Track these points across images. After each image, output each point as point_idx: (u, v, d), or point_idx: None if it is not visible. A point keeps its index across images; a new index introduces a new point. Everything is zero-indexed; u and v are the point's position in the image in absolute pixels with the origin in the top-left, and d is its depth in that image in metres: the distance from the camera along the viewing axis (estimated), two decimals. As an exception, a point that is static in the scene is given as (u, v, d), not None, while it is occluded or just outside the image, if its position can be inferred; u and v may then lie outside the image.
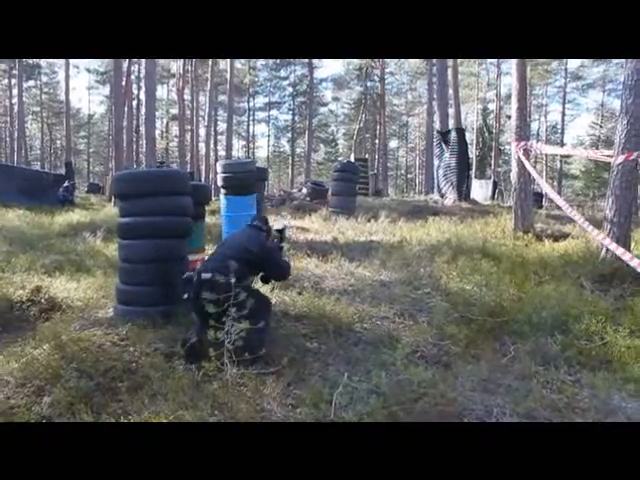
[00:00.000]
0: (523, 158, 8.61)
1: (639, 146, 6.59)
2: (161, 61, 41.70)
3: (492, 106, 45.63)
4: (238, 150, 55.86)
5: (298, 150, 53.64)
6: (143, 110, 25.60)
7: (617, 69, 39.98)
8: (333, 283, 6.30)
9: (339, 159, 37.39)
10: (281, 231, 4.92)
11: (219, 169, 8.93)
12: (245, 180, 8.55)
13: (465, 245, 7.78)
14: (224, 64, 37.87)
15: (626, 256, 4.81)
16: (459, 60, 39.55)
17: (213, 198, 12.90)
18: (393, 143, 57.94)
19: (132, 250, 4.96)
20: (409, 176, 59.69)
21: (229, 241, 4.73)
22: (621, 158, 6.61)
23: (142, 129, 25.33)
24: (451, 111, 20.25)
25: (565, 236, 8.98)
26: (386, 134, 43.85)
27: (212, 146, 36.46)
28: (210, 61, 28.23)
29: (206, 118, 28.55)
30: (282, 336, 4.58)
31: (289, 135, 53.58)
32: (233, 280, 3.65)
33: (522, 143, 8.92)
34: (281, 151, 58.42)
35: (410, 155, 59.09)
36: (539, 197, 23.66)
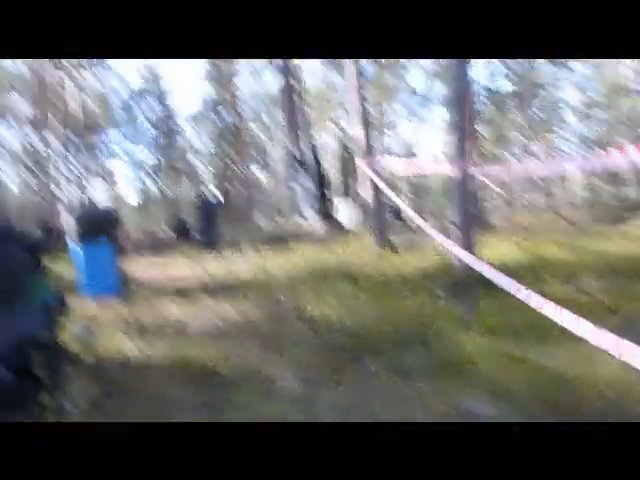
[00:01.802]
0: (372, 173, 8.90)
1: (467, 158, 7.08)
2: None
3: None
4: (104, 192, 53.30)
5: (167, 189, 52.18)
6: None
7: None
8: (199, 325, 6.12)
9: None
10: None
11: (71, 216, 8.44)
12: (101, 226, 8.14)
13: (326, 269, 7.89)
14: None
15: (468, 258, 5.07)
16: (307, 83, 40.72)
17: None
18: (257, 169, 58.09)
19: None
20: (272, 201, 59.78)
21: None
22: (457, 170, 7.03)
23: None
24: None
25: (424, 249, 9.39)
26: (246, 161, 44.00)
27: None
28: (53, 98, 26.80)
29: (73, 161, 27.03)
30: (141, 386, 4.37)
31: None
32: None
33: (370, 159, 9.25)
34: (147, 191, 56.45)
35: (273, 180, 59.38)
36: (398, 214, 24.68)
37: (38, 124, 30.79)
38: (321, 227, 15.41)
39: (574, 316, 2.77)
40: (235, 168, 42.65)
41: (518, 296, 3.29)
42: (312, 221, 16.51)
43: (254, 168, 53.49)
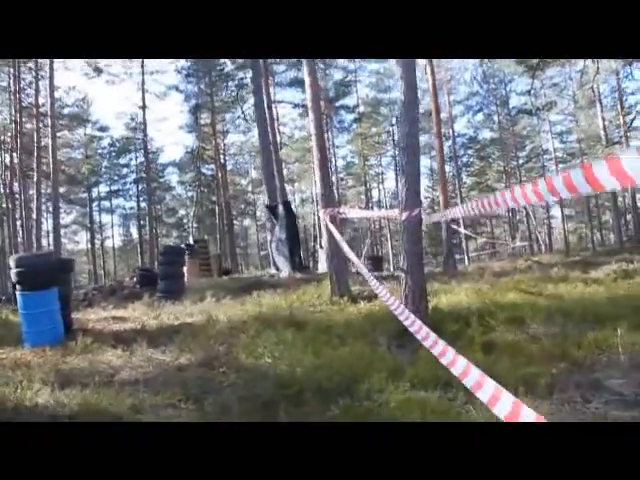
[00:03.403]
0: (330, 224, 8.82)
1: (418, 202, 6.97)
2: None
3: (334, 179, 47.79)
4: (87, 242, 53.20)
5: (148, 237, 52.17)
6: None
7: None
8: (128, 374, 5.87)
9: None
10: None
11: (12, 264, 8.20)
12: (42, 273, 7.90)
13: (274, 317, 7.69)
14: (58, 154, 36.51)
15: (396, 308, 4.84)
16: (281, 139, 41.38)
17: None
18: (246, 221, 58.28)
19: None
20: (262, 253, 60.03)
21: None
22: (405, 215, 6.93)
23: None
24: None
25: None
26: (231, 213, 44.08)
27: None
28: (35, 153, 26.96)
29: (34, 211, 27.01)
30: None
31: (135, 222, 52.02)
32: None
33: (329, 210, 9.18)
34: (130, 239, 56.43)
35: (262, 232, 59.62)
36: (378, 261, 24.67)
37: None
38: (289, 277, 15.30)
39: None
40: (219, 218, 42.74)
41: (432, 350, 3.04)
42: (284, 271, 16.50)
43: (238, 218, 53.91)
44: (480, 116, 42.53)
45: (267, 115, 20.21)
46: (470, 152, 45.15)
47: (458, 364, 2.58)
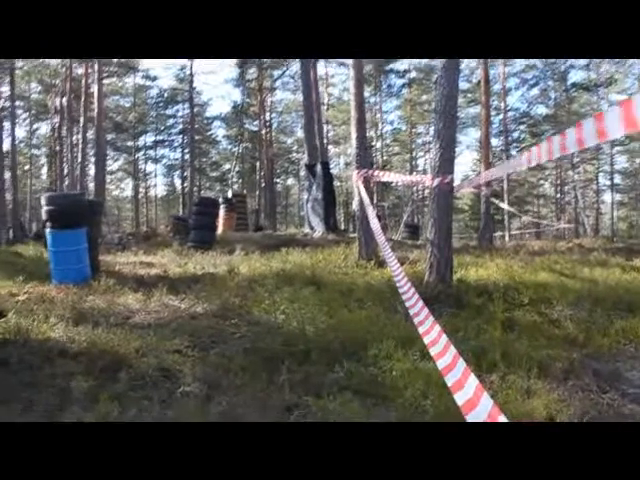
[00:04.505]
0: (360, 186, 8.62)
1: (452, 169, 6.72)
2: (34, 96, 40.07)
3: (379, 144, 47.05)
4: (131, 190, 54.08)
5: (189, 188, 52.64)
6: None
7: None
8: (143, 317, 5.90)
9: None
10: None
11: (43, 202, 8.31)
12: (71, 213, 7.98)
13: (296, 274, 7.61)
14: (107, 101, 36.88)
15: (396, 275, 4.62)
16: (328, 100, 40.73)
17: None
18: (290, 180, 58.18)
19: None
20: (302, 213, 59.95)
21: None
22: (436, 181, 6.71)
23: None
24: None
25: (409, 262, 9.08)
26: (274, 171, 43.97)
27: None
28: (83, 97, 27.25)
29: (79, 155, 27.41)
30: (46, 376, 4.14)
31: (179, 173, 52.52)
32: None
33: (362, 171, 8.97)
34: (173, 190, 57.08)
35: (303, 192, 59.37)
36: (415, 229, 24.33)
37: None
38: (322, 237, 15.20)
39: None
40: (260, 175, 42.69)
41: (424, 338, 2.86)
42: (318, 231, 16.42)
43: (281, 177, 53.85)
44: (535, 90, 40.67)
45: (312, 74, 19.88)
46: (522, 127, 43.58)
47: (446, 357, 2.40)
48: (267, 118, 43.42)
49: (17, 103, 33.37)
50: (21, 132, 41.55)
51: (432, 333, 2.76)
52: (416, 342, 4.97)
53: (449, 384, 2.21)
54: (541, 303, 6.68)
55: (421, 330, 2.84)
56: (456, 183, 7.15)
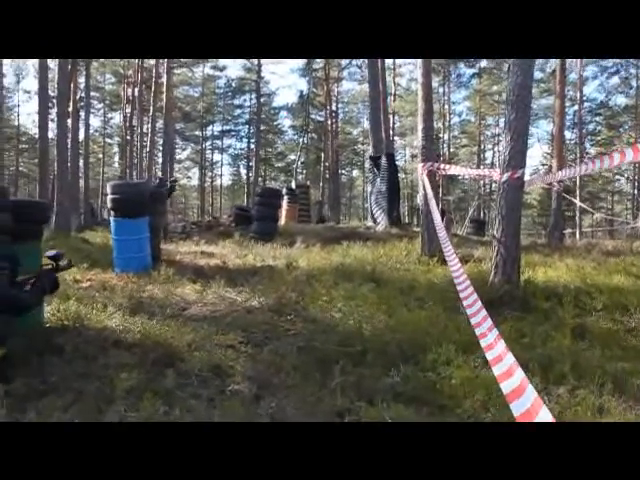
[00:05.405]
0: (425, 179, 8.32)
1: (522, 164, 6.33)
2: (108, 87, 41.34)
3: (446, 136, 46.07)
4: (198, 179, 55.20)
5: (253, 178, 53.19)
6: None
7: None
8: (198, 309, 5.85)
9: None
10: (54, 257, 4.26)
11: (108, 190, 8.43)
12: (134, 202, 8.05)
13: (356, 270, 7.40)
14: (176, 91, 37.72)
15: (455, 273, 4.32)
16: (395, 90, 40.06)
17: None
18: (355, 172, 57.87)
19: None
20: (366, 205, 59.50)
21: None
22: (506, 176, 6.34)
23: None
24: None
25: (474, 260, 8.71)
26: (338, 163, 43.77)
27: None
28: (153, 87, 27.89)
29: (148, 143, 28.08)
30: (100, 367, 4.11)
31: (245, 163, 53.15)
32: None
33: (428, 164, 8.65)
34: (238, 179, 57.85)
35: (368, 184, 58.86)
36: (481, 225, 23.65)
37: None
38: (385, 230, 14.91)
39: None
40: (325, 166, 42.54)
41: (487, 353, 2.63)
42: (381, 224, 16.14)
43: (346, 168, 53.58)
44: (615, 79, 38.44)
45: (379, 64, 19.52)
46: (598, 119, 41.46)
47: (503, 363, 2.17)
48: (333, 108, 43.22)
49: (92, 94, 34.49)
50: (96, 122, 43.15)
51: (489, 336, 2.61)
52: (478, 347, 4.70)
53: (505, 392, 2.06)
54: (616, 309, 6.22)
55: (478, 332, 2.61)
56: (526, 178, 6.72)
